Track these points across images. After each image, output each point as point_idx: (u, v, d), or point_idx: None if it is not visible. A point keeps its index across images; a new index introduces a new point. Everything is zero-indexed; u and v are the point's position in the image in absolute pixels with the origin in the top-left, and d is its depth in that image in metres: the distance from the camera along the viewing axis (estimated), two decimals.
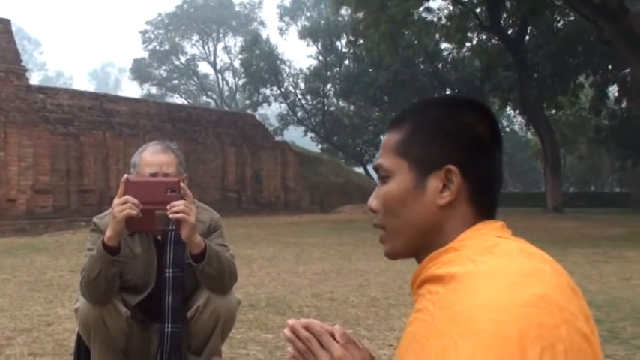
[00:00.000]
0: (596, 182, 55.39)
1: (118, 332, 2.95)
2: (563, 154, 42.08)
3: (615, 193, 49.32)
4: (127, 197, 2.67)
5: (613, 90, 35.72)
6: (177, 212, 2.70)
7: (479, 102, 1.18)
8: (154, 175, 2.96)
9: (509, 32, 28.66)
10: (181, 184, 2.76)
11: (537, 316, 0.89)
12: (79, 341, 3.12)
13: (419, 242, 1.14)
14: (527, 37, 29.74)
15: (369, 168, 47.26)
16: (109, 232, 2.74)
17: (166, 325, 3.01)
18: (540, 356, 0.87)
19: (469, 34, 30.22)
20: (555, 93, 30.33)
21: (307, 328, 1.16)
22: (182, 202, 2.71)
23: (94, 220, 3.11)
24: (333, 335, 1.15)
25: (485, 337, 0.87)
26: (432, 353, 0.91)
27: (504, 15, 28.35)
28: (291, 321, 1.18)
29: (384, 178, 1.17)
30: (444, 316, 0.93)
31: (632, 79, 30.02)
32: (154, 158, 3.01)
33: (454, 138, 1.11)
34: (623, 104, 34.41)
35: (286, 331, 1.18)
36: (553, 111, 32.76)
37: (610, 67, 30.84)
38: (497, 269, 0.96)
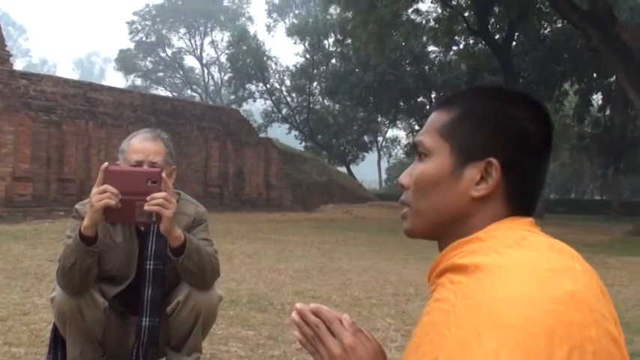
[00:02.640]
0: (577, 189, 55.85)
1: (94, 323, 2.85)
2: None
3: (596, 201, 49.71)
4: (106, 186, 2.56)
5: (597, 98, 36.07)
6: (156, 205, 2.60)
7: (535, 99, 1.13)
8: (139, 162, 2.85)
9: (497, 37, 28.79)
10: (163, 175, 2.66)
11: (567, 315, 0.85)
12: (55, 332, 3.01)
13: (441, 228, 1.10)
14: (514, 43, 29.87)
15: (353, 168, 47.42)
16: (85, 222, 2.64)
17: (144, 319, 2.92)
18: (568, 357, 0.82)
19: (457, 38, 30.22)
20: (540, 99, 30.26)
21: (316, 313, 1.10)
22: (162, 194, 2.61)
23: (76, 206, 3.00)
24: (341, 323, 1.09)
25: (511, 332, 0.83)
26: (452, 345, 0.87)
27: (492, 20, 28.44)
28: (299, 305, 1.12)
29: (422, 156, 1.12)
30: (467, 307, 0.89)
31: (616, 88, 30.33)
32: (142, 145, 2.91)
33: (502, 132, 1.06)
34: (607, 112, 34.71)
35: (294, 315, 1.12)
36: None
37: (595, 75, 31.12)
38: (526, 263, 0.91)
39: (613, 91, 32.28)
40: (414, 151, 1.15)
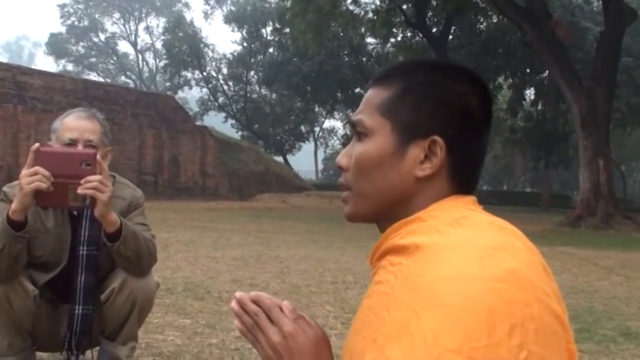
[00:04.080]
0: (509, 181, 57.13)
1: (24, 312, 2.71)
2: None
3: (527, 193, 50.94)
4: (36, 168, 2.42)
5: (530, 93, 36.95)
6: (90, 188, 2.47)
7: (475, 74, 1.09)
8: (73, 140, 2.72)
9: (434, 30, 29.14)
10: (98, 157, 2.53)
11: (508, 292, 0.82)
12: None
13: (384, 210, 1.05)
14: (450, 37, 30.30)
15: (289, 157, 47.38)
16: (14, 206, 2.49)
17: (77, 307, 2.81)
18: (510, 335, 0.79)
19: (394, 30, 30.46)
20: None
21: (256, 301, 1.05)
22: (97, 177, 2.48)
23: (4, 189, 2.84)
24: (281, 310, 1.05)
25: (451, 312, 0.80)
26: (391, 326, 0.83)
27: (430, 13, 28.77)
28: (238, 294, 1.07)
29: (361, 136, 1.07)
30: (406, 287, 0.86)
31: (548, 83, 31.12)
32: (76, 123, 2.77)
33: (446, 108, 1.02)
34: (539, 107, 35.60)
35: (233, 304, 1.07)
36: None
37: (528, 70, 31.87)
38: (466, 241, 0.88)
39: (545, 86, 33.14)
40: (352, 130, 1.10)
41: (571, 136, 31.21)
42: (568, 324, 0.89)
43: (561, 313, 0.87)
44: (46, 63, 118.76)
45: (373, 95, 1.07)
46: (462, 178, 1.03)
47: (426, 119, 1.01)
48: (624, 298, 6.09)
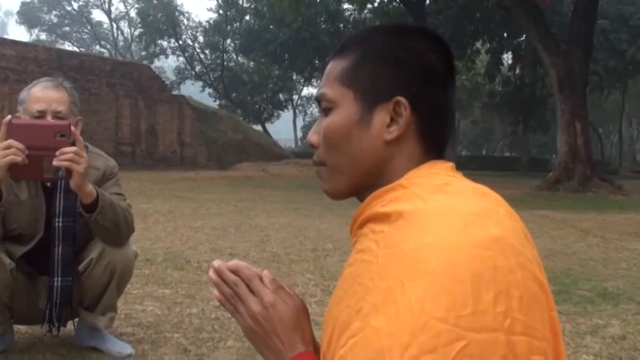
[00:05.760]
0: (488, 146, 57.44)
1: (0, 286, 2.67)
2: (458, 118, 43.30)
3: (506, 157, 51.23)
4: (10, 141, 2.38)
5: (507, 57, 37.01)
6: (66, 160, 2.43)
7: (432, 31, 1.07)
8: (42, 112, 2.67)
9: None
10: (72, 128, 2.49)
11: (492, 259, 0.81)
12: None
13: (362, 180, 1.03)
14: (427, 1, 30.09)
15: (268, 126, 47.21)
16: None
17: (55, 279, 2.79)
18: (495, 302, 0.78)
19: None
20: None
21: (234, 271, 1.04)
22: (72, 148, 2.44)
23: None
24: (261, 280, 1.03)
25: (436, 279, 0.79)
26: (376, 295, 0.82)
27: None
28: (216, 263, 1.05)
29: (327, 110, 1.05)
30: (390, 255, 0.84)
31: (526, 47, 31.15)
32: (43, 94, 2.71)
33: (404, 67, 1.00)
34: (517, 71, 35.67)
35: (211, 273, 1.05)
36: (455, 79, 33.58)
37: (505, 34, 31.82)
38: (450, 208, 0.87)
39: (523, 51, 33.15)
40: (318, 107, 1.08)
41: (549, 100, 31.38)
42: (549, 289, 0.88)
43: (543, 279, 0.87)
44: (18, 32, 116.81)
45: (333, 67, 1.06)
46: (432, 136, 1.02)
47: (387, 81, 1.00)
48: (601, 259, 6.16)
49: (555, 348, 0.87)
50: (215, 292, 1.05)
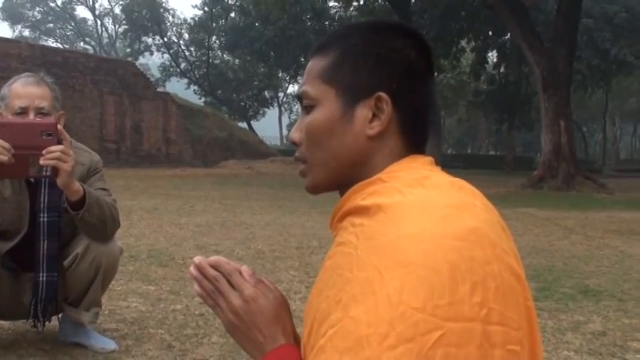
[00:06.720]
0: (474, 144, 57.62)
1: None
2: (443, 117, 43.39)
3: (491, 156, 51.44)
4: None
5: (492, 56, 37.11)
6: (53, 159, 2.43)
7: (411, 27, 1.09)
8: (24, 108, 2.66)
9: None
10: (59, 126, 2.49)
11: (469, 250, 0.83)
12: None
13: (343, 175, 1.05)
14: (413, 0, 30.14)
15: (253, 123, 47.13)
16: None
17: (41, 275, 2.78)
18: (471, 292, 0.81)
19: None
20: (438, 56, 31.05)
21: (215, 266, 1.05)
22: (59, 147, 2.44)
23: None
24: (241, 274, 1.05)
25: (414, 269, 0.80)
26: (355, 286, 0.83)
27: None
28: (197, 259, 1.06)
29: (308, 108, 1.07)
30: (369, 247, 0.86)
31: (510, 46, 31.28)
32: (25, 90, 2.71)
33: (385, 64, 1.02)
34: (502, 70, 35.81)
35: (192, 269, 1.06)
36: (435, 74, 33.64)
37: (490, 33, 31.93)
38: (427, 201, 0.89)
39: (507, 49, 33.31)
40: (300, 105, 1.10)
41: (534, 98, 31.47)
42: (526, 281, 0.90)
43: (519, 270, 0.89)
44: (1, 29, 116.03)
45: (313, 65, 1.07)
46: (413, 131, 1.04)
47: (368, 78, 1.02)
48: (584, 256, 6.21)
49: (531, 337, 0.89)
50: (196, 287, 1.06)
